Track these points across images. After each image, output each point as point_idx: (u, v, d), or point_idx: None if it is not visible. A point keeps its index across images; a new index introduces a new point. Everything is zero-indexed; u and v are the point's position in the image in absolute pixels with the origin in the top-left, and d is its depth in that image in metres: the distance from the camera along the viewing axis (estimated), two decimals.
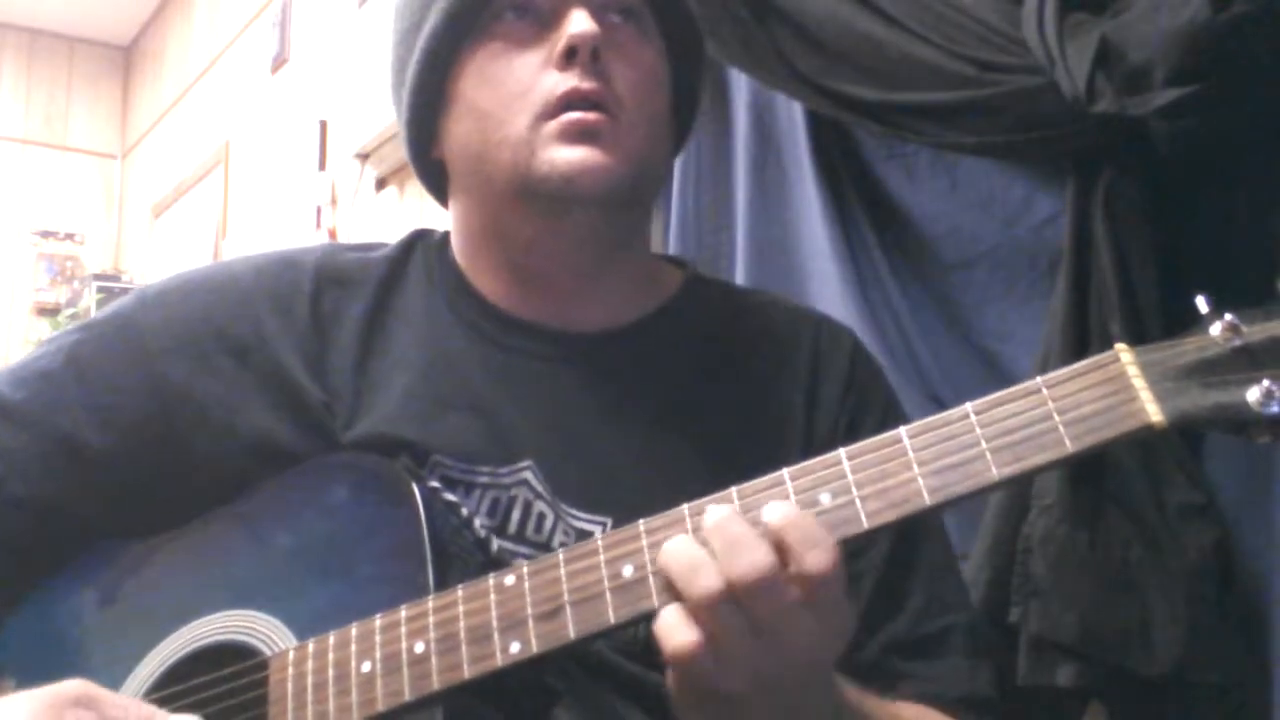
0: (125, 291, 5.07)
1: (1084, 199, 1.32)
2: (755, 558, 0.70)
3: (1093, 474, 1.27)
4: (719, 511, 0.73)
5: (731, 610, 0.70)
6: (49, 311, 5.48)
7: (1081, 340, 1.30)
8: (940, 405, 1.53)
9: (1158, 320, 1.24)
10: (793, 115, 1.75)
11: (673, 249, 1.86)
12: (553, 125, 0.91)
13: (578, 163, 0.90)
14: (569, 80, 0.91)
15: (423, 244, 1.05)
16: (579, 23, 0.91)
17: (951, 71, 1.38)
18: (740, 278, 1.78)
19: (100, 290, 5.13)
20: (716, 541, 0.71)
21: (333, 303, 0.99)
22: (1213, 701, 1.23)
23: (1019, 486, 1.31)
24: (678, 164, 1.89)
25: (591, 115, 0.91)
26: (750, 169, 1.82)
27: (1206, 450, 1.27)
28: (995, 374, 1.52)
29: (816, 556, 0.70)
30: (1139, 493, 1.25)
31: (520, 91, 0.92)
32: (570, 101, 0.91)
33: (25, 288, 5.60)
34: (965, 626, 0.96)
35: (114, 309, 1.03)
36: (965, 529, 1.34)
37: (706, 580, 0.70)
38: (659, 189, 1.05)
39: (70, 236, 5.69)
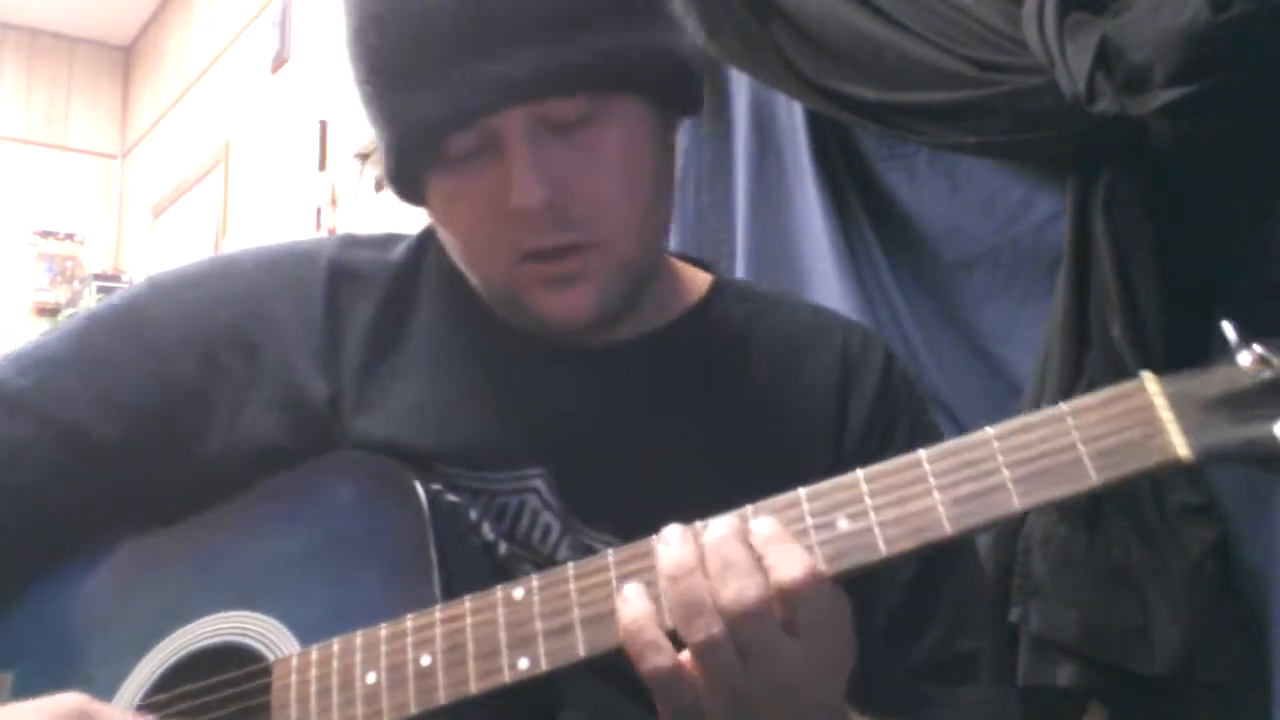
0: None
1: (1084, 199, 1.32)
2: (745, 585, 0.69)
3: None
4: (719, 529, 0.72)
5: (723, 640, 0.69)
6: (49, 311, 5.47)
7: (1081, 340, 1.30)
8: (941, 405, 1.53)
9: (1157, 320, 1.24)
10: (793, 115, 1.75)
11: (672, 249, 1.85)
12: (526, 272, 0.87)
13: (561, 310, 0.87)
14: (529, 238, 0.86)
15: (436, 244, 1.00)
16: (520, 193, 0.83)
17: (951, 71, 1.38)
18: (740, 277, 1.78)
19: (100, 290, 5.12)
20: (713, 562, 0.70)
21: (346, 299, 0.98)
22: (1213, 701, 1.23)
23: None
24: (678, 164, 1.88)
25: (562, 265, 0.86)
26: (750, 169, 1.82)
27: None
28: (995, 374, 1.52)
29: (789, 567, 0.69)
30: (1139, 492, 1.25)
31: (487, 236, 0.88)
32: (536, 255, 0.86)
33: (25, 288, 5.59)
34: (991, 651, 0.94)
35: (126, 297, 1.01)
36: None
37: (708, 624, 0.69)
38: (664, 244, 1.03)
39: (70, 236, 5.68)
